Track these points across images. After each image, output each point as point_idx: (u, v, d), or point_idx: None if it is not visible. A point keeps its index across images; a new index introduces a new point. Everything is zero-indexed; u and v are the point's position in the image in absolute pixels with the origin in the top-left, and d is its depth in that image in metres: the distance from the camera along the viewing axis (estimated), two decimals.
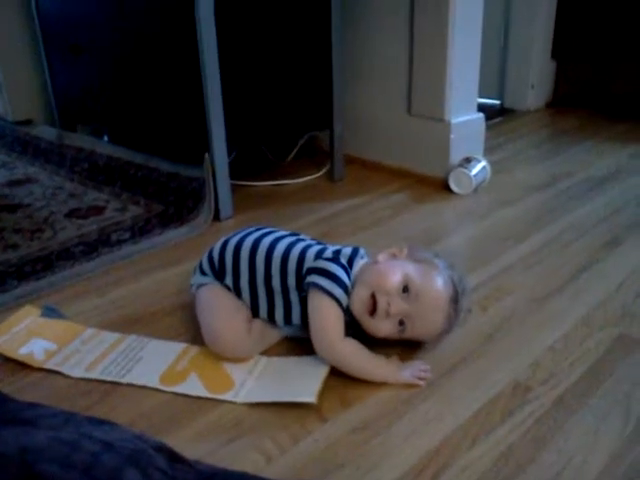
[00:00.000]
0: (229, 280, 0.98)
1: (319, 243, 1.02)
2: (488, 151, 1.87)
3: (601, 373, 0.90)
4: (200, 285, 1.01)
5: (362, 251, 0.99)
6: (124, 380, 0.91)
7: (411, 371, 0.90)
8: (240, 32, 1.50)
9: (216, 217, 1.49)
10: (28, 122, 2.35)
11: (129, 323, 1.07)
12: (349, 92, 1.81)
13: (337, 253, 0.96)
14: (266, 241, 0.98)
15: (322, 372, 0.89)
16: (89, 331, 1.03)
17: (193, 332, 1.01)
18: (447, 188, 1.67)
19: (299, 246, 0.97)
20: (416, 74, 1.72)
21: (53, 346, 0.98)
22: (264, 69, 1.57)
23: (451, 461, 0.74)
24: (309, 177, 1.79)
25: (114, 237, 1.40)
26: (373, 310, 0.89)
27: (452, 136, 1.68)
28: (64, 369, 0.93)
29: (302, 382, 0.88)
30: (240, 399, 0.86)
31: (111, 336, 1.02)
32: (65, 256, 1.32)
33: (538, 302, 1.10)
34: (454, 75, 1.66)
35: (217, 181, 1.49)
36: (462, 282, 0.94)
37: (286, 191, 1.72)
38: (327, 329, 0.89)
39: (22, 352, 0.96)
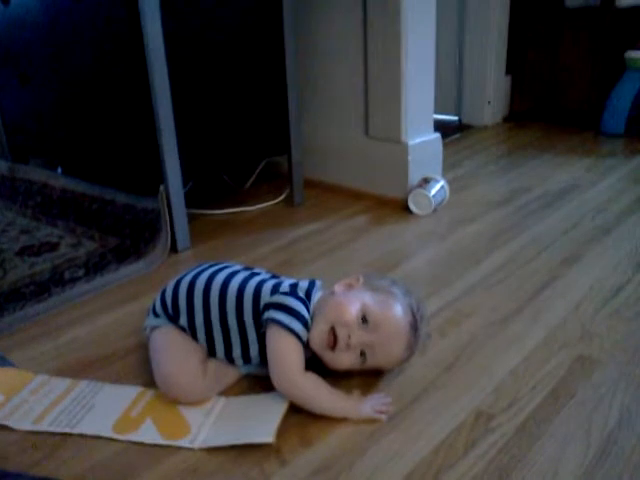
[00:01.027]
0: (183, 320, 0.95)
1: (274, 277, 1.00)
2: (447, 168, 1.88)
3: (562, 396, 0.89)
4: (153, 328, 0.98)
5: (319, 283, 0.97)
6: (75, 430, 0.87)
7: (372, 405, 0.88)
8: (192, 60, 1.48)
9: (173, 249, 1.46)
10: None
11: (84, 367, 1.03)
12: (306, 115, 1.81)
13: (294, 287, 0.94)
14: (220, 278, 0.96)
15: (280, 409, 0.87)
16: (39, 378, 0.99)
17: (150, 374, 0.97)
18: (407, 209, 1.67)
19: (254, 281, 0.95)
20: (372, 97, 1.72)
21: (0, 397, 0.94)
22: (218, 97, 1.55)
23: None
24: (268, 203, 1.77)
25: (67, 275, 1.36)
26: (334, 344, 0.88)
27: (410, 157, 1.68)
28: (10, 422, 0.88)
29: (260, 422, 0.86)
30: (197, 444, 0.83)
31: (62, 383, 0.97)
32: (15, 297, 1.27)
33: (498, 325, 1.09)
34: (409, 97, 1.66)
35: (173, 212, 1.46)
36: (420, 308, 0.93)
37: (245, 218, 1.69)
38: (287, 365, 0.87)
39: None
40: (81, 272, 1.37)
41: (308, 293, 0.93)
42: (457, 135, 2.56)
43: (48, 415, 0.90)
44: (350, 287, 0.95)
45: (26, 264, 1.43)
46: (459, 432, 0.83)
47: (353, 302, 0.89)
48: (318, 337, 0.89)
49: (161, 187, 1.45)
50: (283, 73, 1.63)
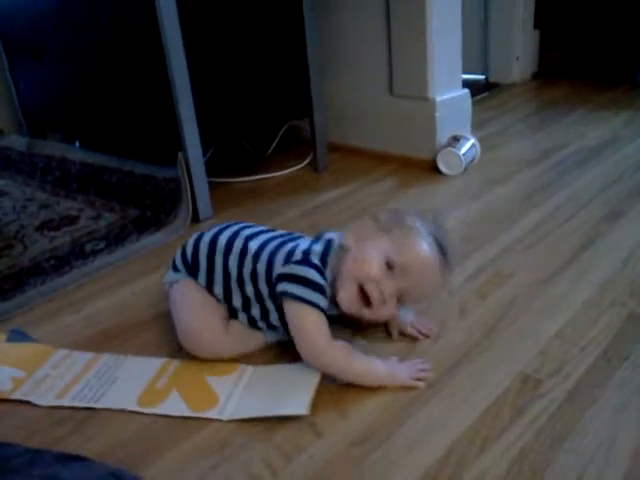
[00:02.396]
0: (202, 278, 0.91)
1: (292, 239, 0.93)
2: (475, 128, 1.79)
3: (614, 358, 0.83)
4: (173, 282, 0.94)
5: (336, 240, 0.90)
6: (99, 405, 0.83)
7: (409, 371, 0.83)
8: (208, 23, 1.41)
9: (195, 218, 1.42)
10: None
11: (107, 339, 0.99)
12: (328, 77, 1.73)
13: (307, 253, 0.87)
14: (239, 240, 0.91)
15: (313, 380, 0.82)
16: (60, 352, 0.96)
17: (175, 344, 0.93)
18: (436, 170, 1.59)
19: (270, 247, 0.89)
20: (395, 53, 1.64)
21: (21, 373, 0.90)
22: (236, 60, 1.49)
23: (459, 472, 0.67)
24: (292, 169, 1.71)
25: (88, 248, 1.32)
26: (368, 301, 0.82)
27: (437, 114, 1.60)
28: (33, 398, 0.85)
29: (292, 393, 0.81)
30: (226, 416, 0.79)
31: (84, 356, 0.94)
32: (36, 272, 1.24)
33: (540, 285, 1.03)
34: (436, 50, 1.58)
35: (194, 180, 1.41)
36: (441, 228, 0.88)
37: (269, 185, 1.64)
38: (312, 338, 0.82)
39: None
40: (102, 244, 1.33)
41: (323, 257, 0.86)
42: (484, 94, 2.46)
43: (71, 389, 0.87)
44: (362, 237, 0.87)
45: (46, 238, 1.40)
46: (505, 398, 0.77)
47: (372, 254, 0.83)
48: (349, 299, 0.83)
49: (179, 155, 1.40)
50: (302, 32, 1.56)
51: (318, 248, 0.88)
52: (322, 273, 0.84)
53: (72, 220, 1.48)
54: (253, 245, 0.90)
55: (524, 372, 0.82)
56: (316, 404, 0.78)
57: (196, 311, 0.89)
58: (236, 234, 0.93)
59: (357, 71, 1.76)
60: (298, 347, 0.83)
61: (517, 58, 2.57)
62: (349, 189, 1.55)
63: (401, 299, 0.85)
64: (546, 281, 1.04)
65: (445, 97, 1.63)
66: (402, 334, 0.92)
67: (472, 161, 1.60)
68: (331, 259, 0.86)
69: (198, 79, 1.38)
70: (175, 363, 0.90)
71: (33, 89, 2.03)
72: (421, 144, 1.65)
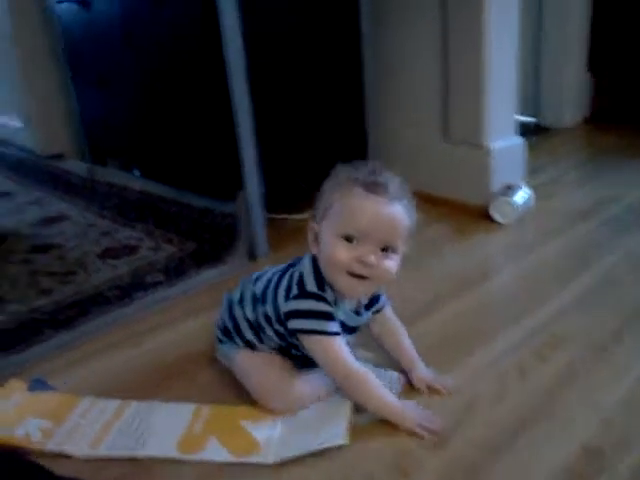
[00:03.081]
0: (239, 340, 0.97)
1: (290, 268, 0.94)
2: (527, 174, 1.80)
3: None
4: (227, 356, 0.98)
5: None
6: (138, 454, 0.83)
7: (419, 419, 0.85)
8: (271, 64, 1.46)
9: (252, 256, 1.45)
10: (59, 156, 2.35)
11: (166, 377, 1.02)
12: (383, 119, 1.76)
13: (301, 284, 0.88)
14: (249, 288, 0.97)
15: (345, 411, 0.87)
16: (85, 401, 0.95)
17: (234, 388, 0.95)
18: (488, 217, 1.60)
19: (271, 287, 0.93)
20: (452, 98, 1.66)
21: (48, 424, 0.89)
22: (297, 102, 1.53)
23: None
24: None
25: (148, 279, 1.36)
26: (364, 275, 0.85)
27: (492, 162, 1.61)
28: (68, 448, 0.85)
29: (328, 426, 0.85)
30: (271, 459, 0.81)
31: (111, 404, 0.94)
32: (99, 301, 1.28)
33: (600, 350, 1.02)
34: (491, 97, 1.59)
35: (252, 218, 1.44)
36: (377, 170, 0.87)
37: None
38: (338, 363, 0.86)
39: (17, 434, 0.87)
40: (161, 276, 1.37)
41: (317, 276, 0.88)
42: (534, 138, 2.45)
43: (105, 438, 0.86)
44: (315, 236, 0.89)
45: (108, 267, 1.44)
46: (566, 472, 0.77)
47: (330, 244, 0.85)
48: (349, 287, 0.86)
49: (240, 193, 1.44)
50: (360, 74, 1.59)
51: (307, 269, 0.89)
52: (321, 297, 0.86)
53: (132, 250, 1.53)
54: (259, 288, 0.95)
55: (587, 442, 0.81)
56: (380, 457, 0.79)
57: (262, 374, 0.92)
58: (248, 281, 0.98)
59: (412, 114, 1.79)
60: (328, 375, 0.89)
61: (569, 102, 2.56)
62: None
63: (387, 249, 0.85)
64: (604, 346, 1.03)
65: (500, 145, 1.64)
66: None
67: (525, 211, 1.60)
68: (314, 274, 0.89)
69: (260, 120, 1.42)
70: (206, 409, 0.91)
71: (97, 117, 2.11)
72: (474, 190, 1.66)
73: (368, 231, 0.83)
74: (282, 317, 0.89)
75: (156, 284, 1.34)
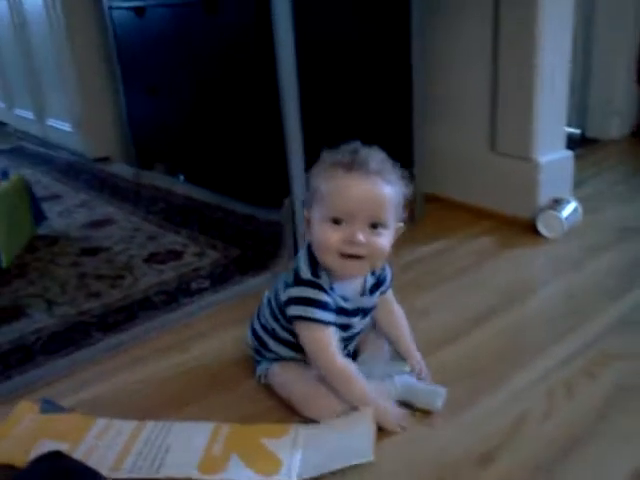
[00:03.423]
0: (267, 354, 1.00)
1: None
2: (574, 186, 1.77)
3: None
4: (264, 373, 1.00)
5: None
6: (160, 475, 0.82)
7: (399, 419, 0.88)
8: (321, 71, 1.47)
9: None
10: (105, 159, 2.40)
11: (213, 385, 1.04)
12: (429, 128, 1.75)
13: (297, 271, 0.91)
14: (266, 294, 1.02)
15: (369, 425, 0.86)
16: (100, 422, 0.93)
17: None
18: (534, 231, 1.58)
19: (277, 285, 0.97)
20: (501, 110, 1.64)
21: (64, 446, 0.86)
22: (344, 107, 1.54)
23: None
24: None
25: (194, 285, 1.38)
26: (356, 253, 0.86)
27: (540, 176, 1.59)
28: None
29: (352, 442, 0.84)
30: (295, 477, 0.80)
31: (127, 425, 0.92)
32: (147, 306, 1.30)
33: None
34: (542, 110, 1.57)
35: (297, 226, 1.45)
36: (357, 150, 0.87)
37: None
38: (321, 355, 0.89)
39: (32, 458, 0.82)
40: (206, 283, 1.39)
41: (312, 263, 0.90)
42: (581, 150, 2.41)
43: (125, 460, 0.85)
44: (307, 222, 0.92)
45: (154, 271, 1.47)
46: None
47: (319, 229, 0.87)
48: (343, 267, 0.87)
49: (286, 201, 1.45)
50: (409, 83, 1.59)
51: (303, 257, 0.92)
52: (315, 284, 0.88)
53: (177, 255, 1.55)
54: (270, 291, 0.99)
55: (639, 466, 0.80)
56: (419, 473, 0.79)
57: (299, 383, 0.92)
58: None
59: (459, 124, 1.78)
60: (311, 361, 0.91)
61: (616, 113, 2.51)
62: (446, 244, 1.56)
63: (377, 225, 0.86)
64: None
65: (549, 158, 1.62)
66: None
67: (573, 225, 1.58)
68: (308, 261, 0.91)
69: (308, 127, 1.42)
70: (225, 427, 0.90)
71: (145, 122, 2.15)
72: (520, 203, 1.64)
73: (353, 210, 0.84)
74: (283, 308, 0.92)
75: (201, 290, 1.36)
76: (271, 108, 1.42)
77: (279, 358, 0.99)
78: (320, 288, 0.88)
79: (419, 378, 0.98)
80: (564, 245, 1.52)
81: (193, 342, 1.17)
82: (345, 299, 0.92)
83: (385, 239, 0.87)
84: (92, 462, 0.83)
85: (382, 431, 0.87)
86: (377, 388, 0.94)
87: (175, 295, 1.34)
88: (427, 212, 1.74)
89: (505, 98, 1.62)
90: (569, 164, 1.69)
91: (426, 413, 0.92)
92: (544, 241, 1.55)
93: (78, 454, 0.86)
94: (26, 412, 0.96)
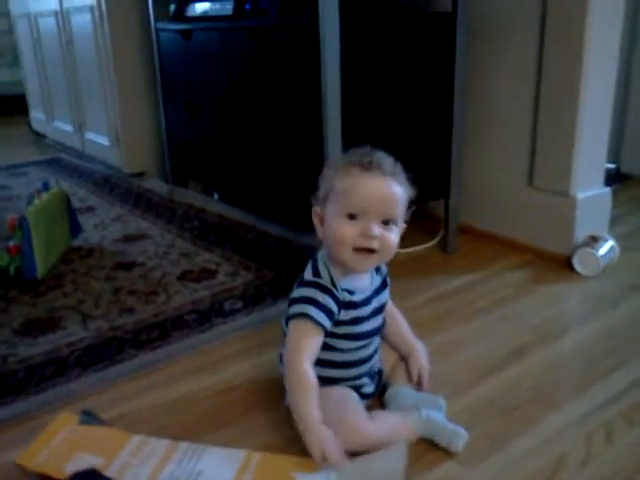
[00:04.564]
0: None
1: None
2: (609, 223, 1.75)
3: None
4: None
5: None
6: None
7: (329, 451, 0.83)
8: (363, 99, 1.48)
9: None
10: (141, 174, 2.44)
11: (245, 410, 1.04)
12: (467, 159, 1.75)
13: (300, 277, 0.96)
14: None
15: (398, 466, 0.84)
16: (136, 439, 0.94)
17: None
18: (570, 267, 1.56)
19: None
20: (540, 145, 1.63)
21: (99, 460, 0.88)
22: (383, 135, 1.54)
23: None
24: (420, 247, 1.73)
25: (227, 306, 1.39)
26: (369, 250, 0.90)
27: (577, 212, 1.58)
28: None
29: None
30: None
31: (161, 444, 0.93)
32: (179, 324, 1.31)
33: None
34: (583, 147, 1.56)
35: None
36: (370, 154, 0.92)
37: (395, 261, 1.62)
38: (296, 353, 0.90)
39: (67, 470, 0.86)
40: (239, 304, 1.40)
41: (314, 265, 0.94)
42: (616, 186, 2.39)
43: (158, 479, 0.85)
44: (319, 219, 0.96)
45: (187, 290, 1.48)
46: None
47: (335, 224, 0.90)
48: (354, 260, 0.90)
49: None
50: (450, 116, 1.59)
51: (308, 264, 0.96)
52: (317, 284, 0.91)
53: (211, 274, 1.56)
54: None
55: None
56: None
57: (334, 408, 0.91)
58: None
59: (497, 157, 1.77)
60: (284, 359, 0.92)
61: None
62: (479, 276, 1.54)
63: (388, 222, 0.90)
64: None
65: (587, 194, 1.60)
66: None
67: (609, 263, 1.56)
68: (322, 258, 0.95)
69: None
70: (257, 456, 0.89)
71: (183, 140, 2.18)
72: (556, 238, 1.62)
73: (368, 206, 0.89)
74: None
75: (234, 311, 1.36)
76: (311, 132, 1.44)
77: None
78: (321, 288, 0.91)
79: (418, 386, 1.03)
80: (600, 283, 1.50)
81: (225, 364, 1.18)
82: (351, 292, 0.94)
83: (395, 235, 0.92)
84: (127, 479, 0.85)
85: (413, 468, 0.86)
86: (402, 416, 0.94)
87: (208, 315, 1.35)
88: (461, 243, 1.73)
89: (545, 132, 1.61)
90: (607, 201, 1.68)
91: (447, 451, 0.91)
92: (579, 278, 1.53)
93: (112, 469, 0.87)
94: (65, 423, 0.97)
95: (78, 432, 0.96)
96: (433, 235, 1.77)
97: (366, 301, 0.96)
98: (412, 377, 1.03)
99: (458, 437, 0.92)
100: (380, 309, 1.00)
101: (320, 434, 0.84)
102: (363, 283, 0.97)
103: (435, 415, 0.95)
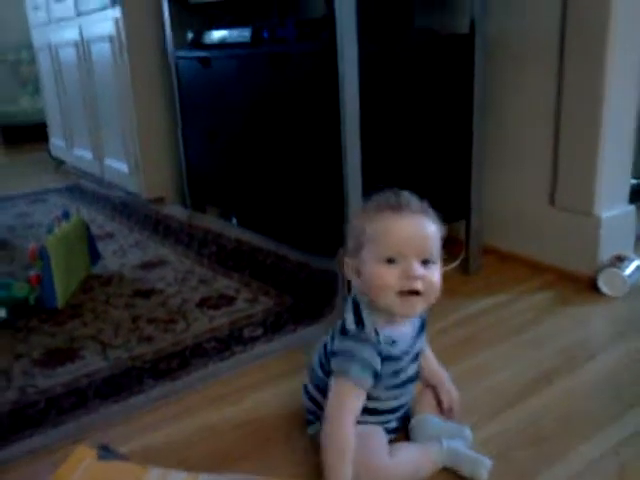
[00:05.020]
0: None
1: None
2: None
3: None
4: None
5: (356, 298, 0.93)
6: None
7: None
8: (380, 120, 1.47)
9: None
10: (159, 200, 2.45)
11: (265, 441, 1.02)
12: (488, 179, 1.73)
13: (343, 326, 0.91)
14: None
15: None
16: (154, 472, 0.92)
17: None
18: (595, 288, 1.52)
19: (322, 342, 0.98)
20: (562, 164, 1.61)
21: None
22: (402, 158, 1.53)
23: None
24: (442, 268, 1.70)
25: (246, 333, 1.37)
26: (413, 292, 0.86)
27: (601, 232, 1.55)
28: None
29: None
30: None
31: (180, 476, 0.91)
32: (199, 353, 1.30)
33: None
34: (606, 166, 1.53)
35: None
36: (391, 194, 0.90)
37: None
38: (339, 408, 0.87)
39: None
40: (259, 331, 1.38)
41: (357, 314, 0.90)
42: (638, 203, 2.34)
43: None
44: (354, 270, 0.91)
45: (206, 317, 1.47)
46: None
47: (374, 271, 0.87)
48: (404, 305, 0.87)
49: (340, 249, 1.44)
50: (469, 134, 1.57)
51: (348, 308, 0.92)
52: (361, 337, 0.88)
53: (229, 300, 1.55)
54: (320, 349, 0.98)
55: None
56: None
57: (358, 448, 0.87)
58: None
59: (518, 176, 1.74)
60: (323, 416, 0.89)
61: None
62: (502, 299, 1.51)
63: (427, 262, 0.86)
64: None
65: (611, 213, 1.57)
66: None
67: (636, 284, 1.52)
68: (365, 305, 0.90)
69: (365, 176, 1.42)
70: None
71: (201, 166, 2.19)
72: (580, 259, 1.59)
73: (406, 248, 0.85)
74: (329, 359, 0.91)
75: (254, 339, 1.35)
76: (330, 156, 1.43)
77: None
78: (364, 341, 0.88)
79: (448, 415, 1.01)
80: (627, 304, 1.46)
81: (246, 393, 1.16)
82: (393, 342, 0.90)
83: (437, 273, 0.88)
84: None
85: None
86: (423, 449, 0.92)
87: (228, 342, 1.33)
88: (484, 264, 1.71)
89: (567, 151, 1.59)
90: (632, 219, 1.64)
91: None
92: (605, 299, 1.49)
93: None
94: (83, 457, 0.95)
95: (96, 468, 0.93)
96: (454, 257, 1.74)
97: (406, 351, 0.92)
98: (443, 406, 1.01)
99: (481, 466, 0.89)
100: (418, 355, 0.96)
101: None
102: (405, 330, 0.93)
103: (457, 445, 0.93)
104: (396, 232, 0.86)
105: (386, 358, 0.89)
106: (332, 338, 0.93)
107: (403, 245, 0.85)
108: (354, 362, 0.86)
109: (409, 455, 0.91)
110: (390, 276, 0.85)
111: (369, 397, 0.90)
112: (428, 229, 0.87)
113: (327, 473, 0.85)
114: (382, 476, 0.87)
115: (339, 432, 0.86)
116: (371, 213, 0.90)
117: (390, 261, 0.86)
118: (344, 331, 0.90)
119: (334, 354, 0.89)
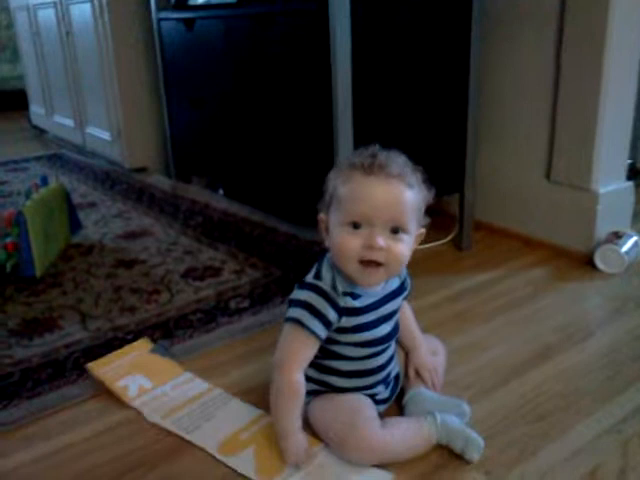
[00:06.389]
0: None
1: None
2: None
3: None
4: (306, 405, 0.91)
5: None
6: (188, 437, 0.91)
7: (300, 457, 0.83)
8: (373, 88, 1.41)
9: None
10: (143, 170, 2.37)
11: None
12: (481, 153, 1.68)
13: (302, 280, 0.89)
14: None
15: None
16: (185, 375, 1.06)
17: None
18: (591, 264, 1.49)
19: None
20: (559, 138, 1.56)
21: (149, 384, 1.03)
22: (395, 127, 1.48)
23: None
24: (433, 244, 1.66)
25: (232, 304, 1.32)
26: (375, 261, 0.82)
27: (599, 207, 1.51)
28: (145, 411, 0.97)
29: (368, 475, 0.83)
30: None
31: (201, 385, 1.03)
32: (183, 325, 1.25)
33: None
34: (604, 140, 1.49)
35: None
36: (378, 155, 0.83)
37: (411, 258, 1.59)
38: (286, 361, 0.86)
39: (119, 385, 1.02)
40: (246, 303, 1.33)
41: (318, 269, 0.88)
42: (633, 181, 2.32)
43: (176, 414, 0.96)
44: (325, 227, 0.88)
45: (191, 288, 1.41)
46: None
47: (338, 233, 0.83)
48: (362, 274, 0.83)
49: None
50: (464, 109, 1.52)
51: (315, 266, 0.90)
52: (317, 287, 0.85)
53: (216, 272, 1.50)
54: None
55: None
56: None
57: (340, 416, 0.86)
58: None
59: (514, 151, 1.70)
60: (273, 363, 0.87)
61: None
62: (496, 275, 1.48)
63: (397, 230, 0.82)
64: None
65: (608, 189, 1.53)
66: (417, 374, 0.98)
67: (634, 261, 1.49)
68: (328, 260, 0.88)
69: (357, 147, 1.37)
70: (265, 420, 0.93)
71: (186, 135, 2.12)
72: (576, 235, 1.55)
73: (372, 214, 0.80)
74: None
75: (241, 311, 1.30)
76: (320, 124, 1.37)
77: (321, 390, 0.92)
78: (321, 292, 0.85)
79: (433, 389, 0.98)
80: (623, 281, 1.43)
81: (232, 366, 1.11)
82: (356, 296, 0.86)
83: (405, 245, 0.83)
84: (155, 405, 0.98)
85: (435, 478, 0.81)
86: (416, 423, 0.88)
87: (213, 314, 1.28)
88: (477, 240, 1.67)
89: (565, 124, 1.54)
90: (629, 195, 1.61)
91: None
92: (601, 276, 1.46)
93: (152, 395, 1.01)
94: (138, 348, 1.13)
95: (143, 357, 1.11)
96: (447, 232, 1.70)
97: (372, 307, 0.88)
98: (409, 377, 0.98)
99: (474, 446, 0.85)
100: (391, 315, 0.92)
101: (297, 442, 0.84)
102: (373, 291, 0.88)
103: (451, 419, 0.88)
104: (364, 196, 0.81)
105: (346, 311, 0.85)
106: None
107: (370, 211, 0.80)
108: (306, 311, 0.84)
109: (401, 429, 0.87)
110: (352, 243, 0.81)
111: (338, 356, 0.88)
112: (401, 196, 0.81)
113: (275, 420, 0.86)
114: (373, 446, 0.83)
115: (288, 379, 0.84)
116: (344, 170, 0.84)
117: (355, 226, 0.81)
118: (303, 283, 0.88)
119: (289, 304, 0.88)
